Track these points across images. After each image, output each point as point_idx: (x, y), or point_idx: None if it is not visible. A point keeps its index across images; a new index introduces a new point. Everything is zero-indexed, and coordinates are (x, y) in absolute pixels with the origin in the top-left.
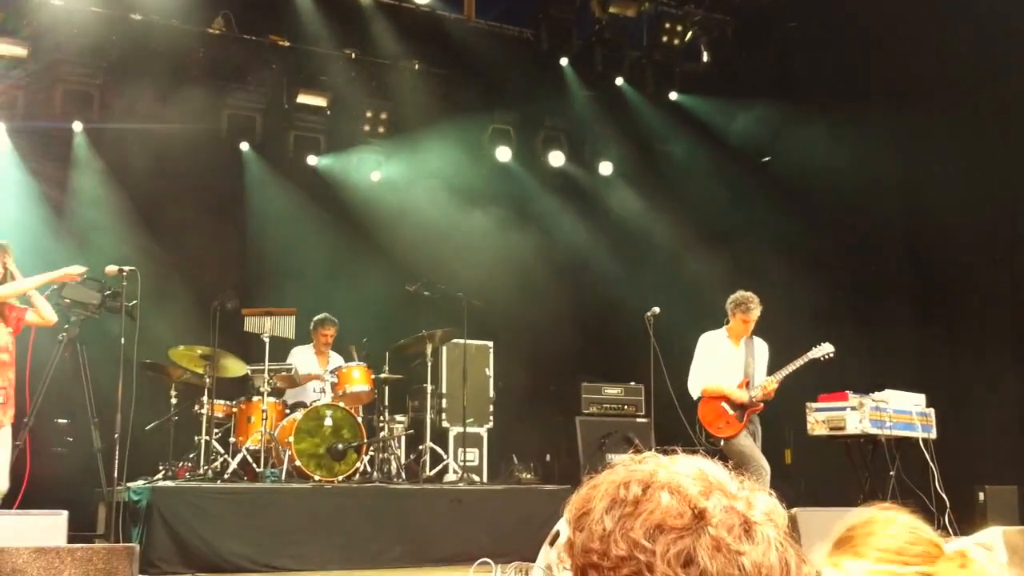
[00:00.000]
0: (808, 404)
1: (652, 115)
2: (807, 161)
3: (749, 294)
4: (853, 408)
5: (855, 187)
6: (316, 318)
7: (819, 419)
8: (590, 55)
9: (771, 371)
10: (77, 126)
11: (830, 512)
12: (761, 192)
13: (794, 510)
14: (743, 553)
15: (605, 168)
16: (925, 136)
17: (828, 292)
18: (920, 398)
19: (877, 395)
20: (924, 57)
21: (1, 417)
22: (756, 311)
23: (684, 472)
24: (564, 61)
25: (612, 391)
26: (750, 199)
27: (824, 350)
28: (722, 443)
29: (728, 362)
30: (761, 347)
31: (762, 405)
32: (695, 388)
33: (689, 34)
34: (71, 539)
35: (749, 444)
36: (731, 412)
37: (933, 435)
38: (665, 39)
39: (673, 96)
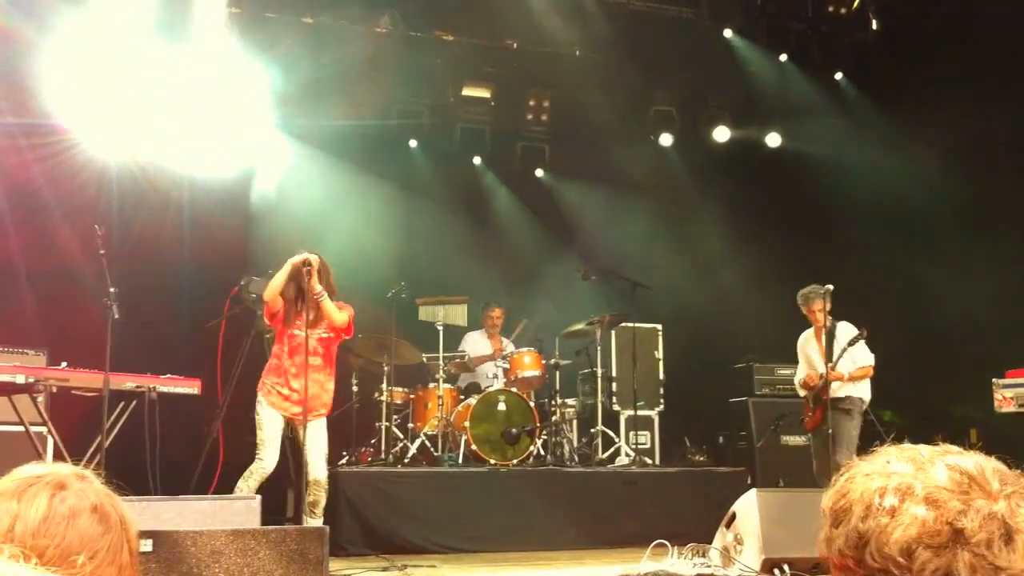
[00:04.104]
0: (995, 380)
1: (818, 91)
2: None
3: (809, 288)
4: None
5: None
6: (484, 302)
7: (1007, 395)
8: (753, 29)
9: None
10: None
11: None
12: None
13: None
14: (1003, 568)
15: (773, 140)
16: None
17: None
18: None
19: None
20: None
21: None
22: (817, 301)
23: (942, 480)
24: (728, 32)
25: (785, 371)
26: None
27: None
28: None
29: (815, 356)
30: (842, 332)
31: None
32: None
33: (856, 2)
34: (263, 522)
35: (818, 445)
36: (811, 404)
37: None
38: (831, 9)
39: (838, 77)
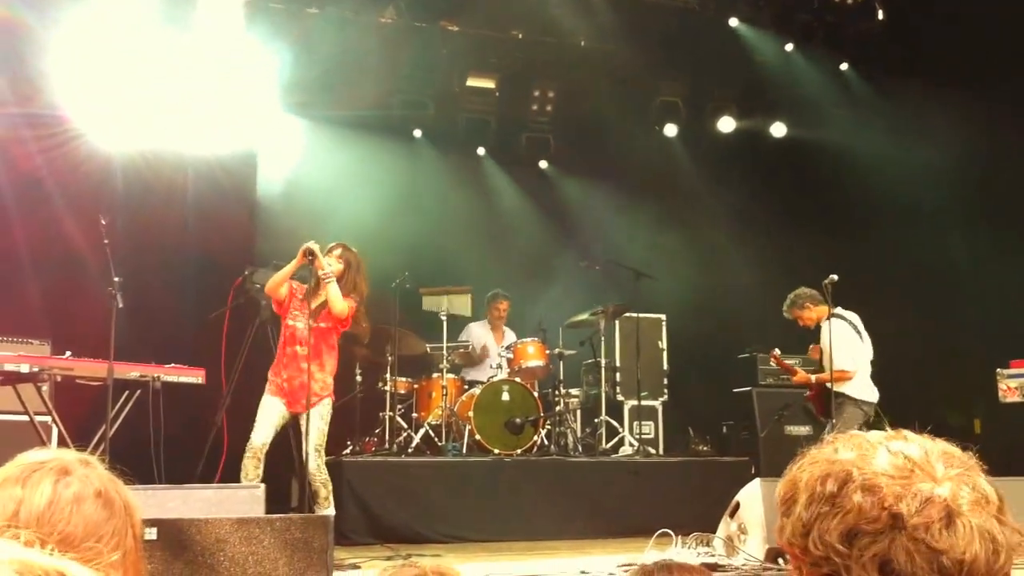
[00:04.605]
0: (999, 370)
1: (823, 81)
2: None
3: (796, 292)
4: None
5: None
6: (489, 294)
7: (1011, 385)
8: (758, 19)
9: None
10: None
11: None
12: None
13: None
14: (942, 551)
15: (778, 130)
16: None
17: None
18: None
19: None
20: None
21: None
22: (793, 311)
23: (882, 466)
24: (734, 22)
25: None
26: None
27: None
28: None
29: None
30: (825, 329)
31: (811, 389)
32: None
33: None
34: (267, 511)
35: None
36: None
37: None
38: None
39: (844, 67)
